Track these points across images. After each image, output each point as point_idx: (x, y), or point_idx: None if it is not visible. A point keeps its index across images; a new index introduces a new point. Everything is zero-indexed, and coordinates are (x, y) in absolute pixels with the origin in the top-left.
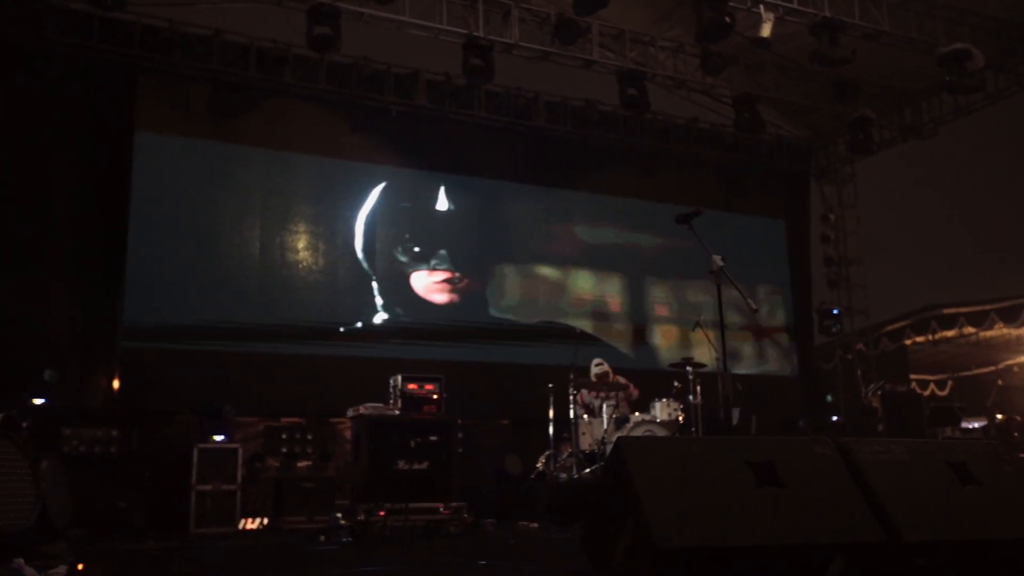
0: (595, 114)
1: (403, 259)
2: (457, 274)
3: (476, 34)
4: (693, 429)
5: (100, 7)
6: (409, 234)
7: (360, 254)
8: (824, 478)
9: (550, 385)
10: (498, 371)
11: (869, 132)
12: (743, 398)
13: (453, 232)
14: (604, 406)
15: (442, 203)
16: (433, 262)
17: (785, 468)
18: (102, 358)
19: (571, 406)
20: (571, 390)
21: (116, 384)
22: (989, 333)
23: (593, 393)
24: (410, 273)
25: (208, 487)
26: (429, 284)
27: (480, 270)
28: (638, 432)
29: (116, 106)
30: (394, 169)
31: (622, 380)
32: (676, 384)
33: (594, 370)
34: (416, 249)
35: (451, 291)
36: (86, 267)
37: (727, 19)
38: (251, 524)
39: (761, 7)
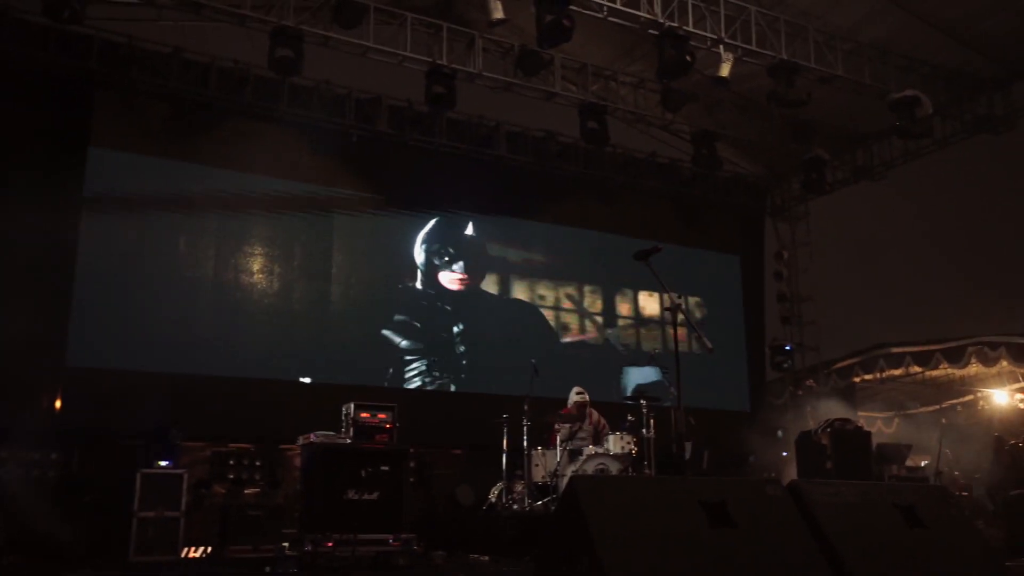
0: (555, 145)
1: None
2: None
3: (440, 62)
4: (646, 463)
5: (57, 20)
6: (369, 260)
7: (318, 278)
8: (776, 520)
9: (504, 416)
10: (452, 400)
11: (822, 172)
12: (696, 433)
13: (412, 258)
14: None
15: (403, 231)
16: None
17: (737, 509)
18: (45, 377)
19: (524, 436)
20: (525, 421)
21: (59, 404)
22: (934, 373)
23: (565, 426)
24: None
25: (151, 514)
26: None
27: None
28: (591, 465)
29: (72, 121)
30: (353, 193)
31: (596, 416)
32: (630, 417)
33: (575, 398)
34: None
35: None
36: (33, 281)
37: (688, 57)
38: (194, 553)
39: (721, 47)
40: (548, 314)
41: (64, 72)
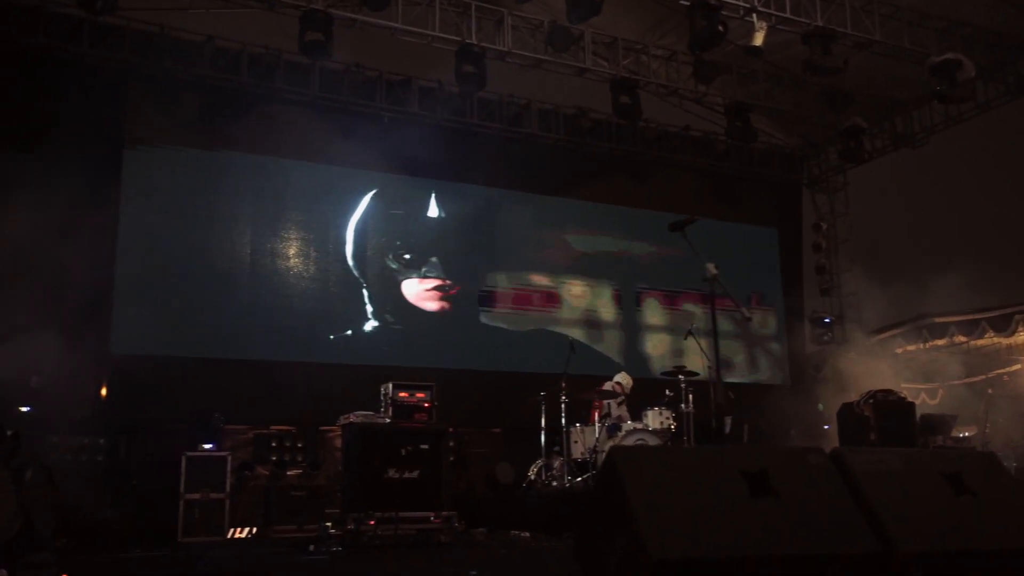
0: (587, 122)
1: (394, 266)
2: (448, 281)
3: (469, 41)
4: (685, 437)
5: (90, 12)
6: (400, 241)
7: (351, 261)
8: (818, 488)
9: (542, 393)
10: (490, 379)
11: (860, 141)
12: (735, 406)
13: (444, 239)
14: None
15: (433, 210)
16: (424, 269)
17: (779, 477)
18: (90, 365)
19: (562, 414)
20: (562, 398)
21: (104, 391)
22: (980, 342)
23: (605, 402)
24: (401, 280)
25: (196, 496)
26: (420, 291)
27: (472, 278)
28: (630, 440)
29: (107, 111)
30: (386, 175)
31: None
32: (668, 392)
33: (629, 382)
34: (407, 256)
35: (442, 298)
36: (75, 272)
37: (720, 28)
38: (240, 533)
39: (754, 16)
40: (582, 291)
41: (98, 63)
